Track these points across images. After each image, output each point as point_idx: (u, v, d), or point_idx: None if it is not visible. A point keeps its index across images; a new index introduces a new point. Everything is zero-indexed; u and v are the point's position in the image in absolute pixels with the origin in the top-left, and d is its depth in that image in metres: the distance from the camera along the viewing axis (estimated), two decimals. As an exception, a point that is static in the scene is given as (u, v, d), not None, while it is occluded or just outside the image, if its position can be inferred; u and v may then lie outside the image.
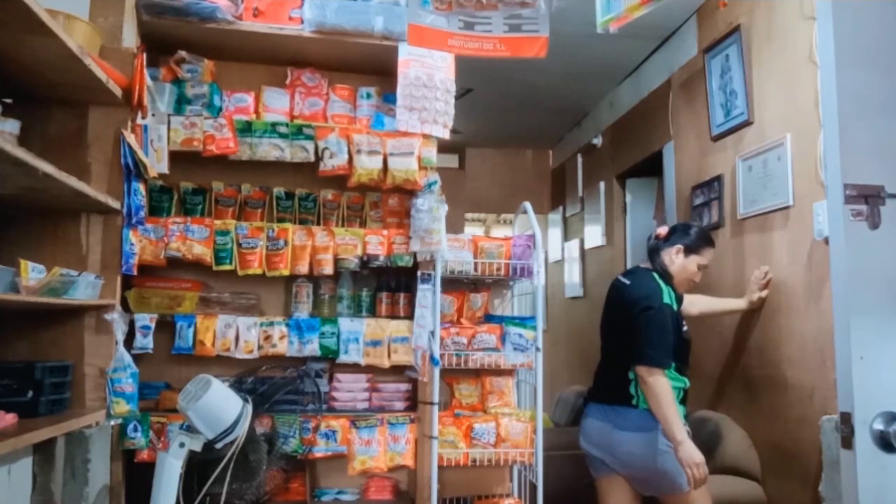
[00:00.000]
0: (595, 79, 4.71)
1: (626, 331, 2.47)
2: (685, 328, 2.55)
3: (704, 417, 3.03)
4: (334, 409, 2.58)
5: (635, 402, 2.44)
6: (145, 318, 2.40)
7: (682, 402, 2.48)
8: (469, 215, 6.73)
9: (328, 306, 2.69)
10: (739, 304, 2.90)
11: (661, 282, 2.51)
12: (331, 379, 2.63)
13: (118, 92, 2.08)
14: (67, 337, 2.12)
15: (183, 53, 2.55)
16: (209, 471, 1.93)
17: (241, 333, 2.48)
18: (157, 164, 2.39)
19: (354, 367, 2.59)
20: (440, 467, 2.53)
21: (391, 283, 2.73)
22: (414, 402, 2.66)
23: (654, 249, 2.63)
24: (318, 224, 2.68)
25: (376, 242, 2.59)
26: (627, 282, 2.62)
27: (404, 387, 2.69)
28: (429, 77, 2.57)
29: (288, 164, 2.58)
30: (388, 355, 2.58)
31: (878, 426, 1.24)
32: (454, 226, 3.99)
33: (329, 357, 2.56)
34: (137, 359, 2.23)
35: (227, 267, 2.50)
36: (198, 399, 1.87)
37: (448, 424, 2.58)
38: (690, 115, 3.72)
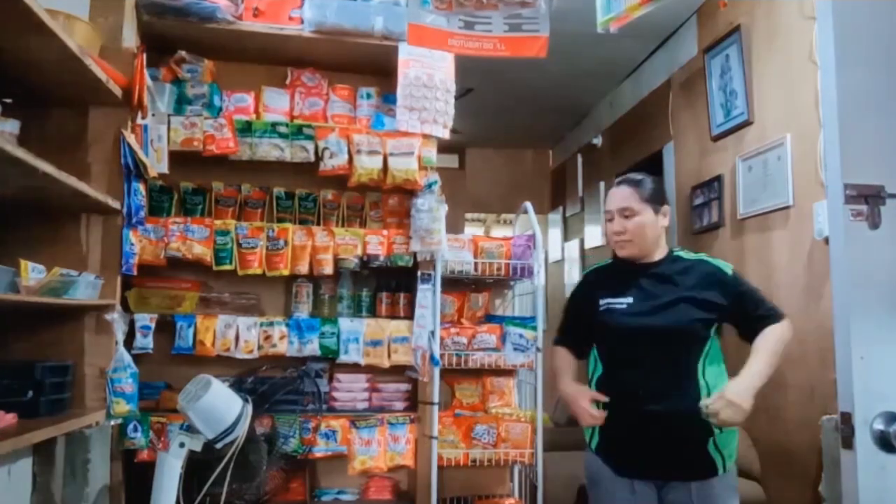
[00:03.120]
0: (595, 79, 4.71)
1: None
2: (604, 306, 2.01)
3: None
4: (334, 409, 2.58)
5: None
6: (145, 318, 2.40)
7: (620, 403, 1.95)
8: (469, 215, 6.73)
9: (328, 306, 2.69)
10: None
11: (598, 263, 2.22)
12: (331, 379, 2.63)
13: (118, 92, 2.08)
14: (67, 337, 2.12)
15: (183, 53, 2.55)
16: (209, 471, 1.93)
17: (241, 333, 2.48)
18: (157, 164, 2.39)
19: (354, 367, 2.59)
20: (440, 467, 2.53)
21: (391, 283, 2.73)
22: (414, 402, 2.66)
23: None
24: (318, 224, 2.68)
25: (376, 242, 2.59)
26: None
27: (404, 387, 2.69)
28: (429, 77, 2.57)
29: (288, 164, 2.58)
30: (388, 355, 2.58)
31: (878, 426, 1.24)
32: (454, 226, 4.00)
33: (329, 357, 2.56)
34: (137, 359, 2.23)
35: (227, 267, 2.50)
36: (198, 399, 1.87)
37: (448, 424, 2.59)
38: (690, 115, 3.72)
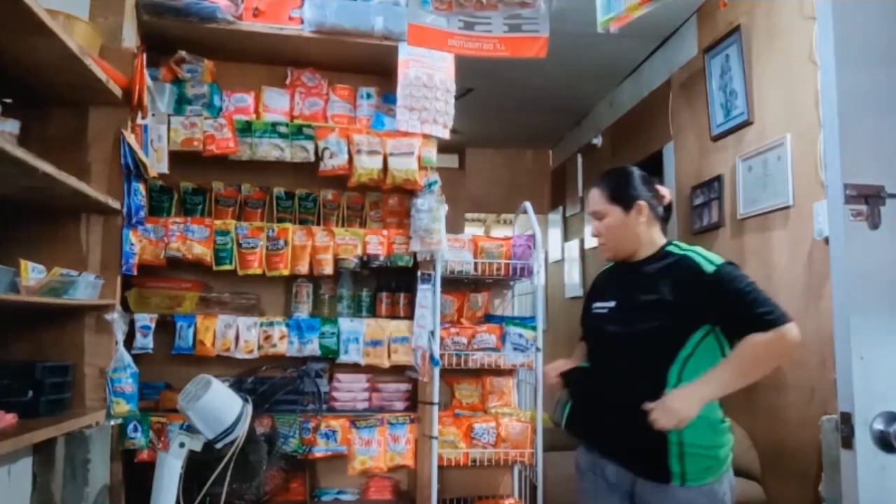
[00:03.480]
0: (595, 79, 4.71)
1: None
2: (593, 310, 1.99)
3: (704, 417, 3.03)
4: (334, 409, 2.58)
5: None
6: (145, 318, 2.40)
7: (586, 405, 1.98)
8: (469, 215, 6.73)
9: (328, 306, 2.69)
10: None
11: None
12: (331, 379, 2.63)
13: (118, 92, 2.08)
14: (67, 337, 2.12)
15: (183, 53, 2.56)
16: (209, 471, 1.93)
17: (241, 333, 2.48)
18: (157, 164, 2.39)
19: (354, 367, 2.59)
20: (440, 467, 2.53)
21: (391, 283, 2.73)
22: (414, 402, 2.66)
23: None
24: (318, 224, 2.68)
25: (376, 242, 2.59)
26: None
27: (404, 387, 2.69)
28: (429, 77, 2.57)
29: (288, 164, 2.58)
30: (388, 355, 2.58)
31: (878, 426, 1.24)
32: (454, 226, 3.99)
33: (329, 357, 2.56)
34: (137, 359, 2.23)
35: (227, 267, 2.50)
36: (198, 399, 1.87)
37: (448, 424, 2.59)
38: (690, 115, 3.72)
